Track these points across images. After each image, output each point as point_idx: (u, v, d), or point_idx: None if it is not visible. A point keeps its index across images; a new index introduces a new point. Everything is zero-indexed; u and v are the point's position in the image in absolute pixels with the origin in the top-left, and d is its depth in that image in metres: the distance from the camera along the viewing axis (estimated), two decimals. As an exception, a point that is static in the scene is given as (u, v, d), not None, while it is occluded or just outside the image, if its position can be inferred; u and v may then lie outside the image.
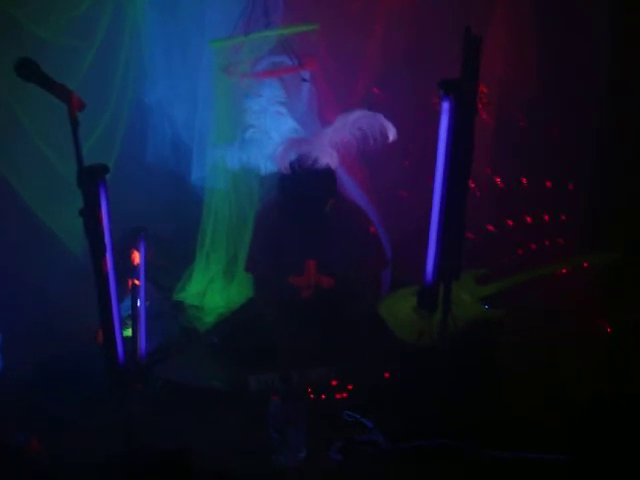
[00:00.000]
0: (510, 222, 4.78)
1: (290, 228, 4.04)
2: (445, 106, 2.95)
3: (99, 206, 2.81)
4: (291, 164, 3.92)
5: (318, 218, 3.99)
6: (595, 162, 4.63)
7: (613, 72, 4.48)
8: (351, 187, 4.30)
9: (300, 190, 3.88)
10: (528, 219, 4.76)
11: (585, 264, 4.22)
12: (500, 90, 4.44)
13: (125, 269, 3.62)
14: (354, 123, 3.91)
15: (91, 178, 2.77)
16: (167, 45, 4.52)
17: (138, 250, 3.66)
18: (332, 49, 4.34)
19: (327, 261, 4.05)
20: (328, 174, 3.94)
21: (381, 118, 3.92)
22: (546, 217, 4.75)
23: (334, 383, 3.76)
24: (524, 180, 4.76)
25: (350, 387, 3.73)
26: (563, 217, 4.70)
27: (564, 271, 4.19)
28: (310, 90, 4.35)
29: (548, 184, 4.75)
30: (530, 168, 4.76)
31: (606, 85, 4.53)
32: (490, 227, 4.75)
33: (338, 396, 3.70)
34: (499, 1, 4.47)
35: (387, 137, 3.88)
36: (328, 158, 3.92)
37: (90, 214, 2.79)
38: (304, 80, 4.27)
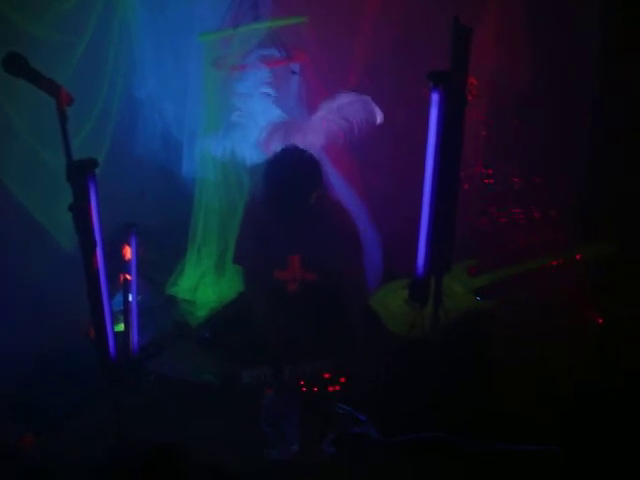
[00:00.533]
0: (502, 214, 4.79)
1: (277, 220, 4.02)
2: (434, 98, 2.95)
3: (88, 201, 2.82)
4: (276, 153, 3.90)
5: (303, 209, 3.94)
6: (588, 157, 4.62)
7: (605, 69, 4.48)
8: (336, 180, 4.27)
9: (285, 179, 3.84)
10: (520, 212, 4.77)
11: (577, 256, 4.22)
12: (491, 86, 4.45)
13: (117, 264, 3.62)
14: (339, 110, 3.92)
15: (80, 172, 2.78)
16: (157, 39, 4.50)
17: (129, 245, 3.67)
18: (322, 42, 4.33)
19: (310, 256, 4.03)
20: (313, 164, 3.91)
21: (367, 101, 3.93)
22: (538, 210, 4.75)
23: (327, 376, 3.77)
24: (515, 173, 4.77)
25: (343, 380, 3.74)
26: (555, 210, 4.71)
27: (555, 263, 4.19)
28: (299, 82, 4.34)
29: (540, 179, 4.76)
30: (522, 162, 4.78)
31: (599, 82, 4.52)
32: (482, 219, 4.77)
33: (331, 389, 3.71)
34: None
35: (374, 122, 3.89)
36: (312, 144, 3.90)
37: (79, 209, 2.79)
38: (293, 73, 4.27)
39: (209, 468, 3.08)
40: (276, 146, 4.03)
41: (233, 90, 4.33)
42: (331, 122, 3.95)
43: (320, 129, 4.02)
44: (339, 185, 4.27)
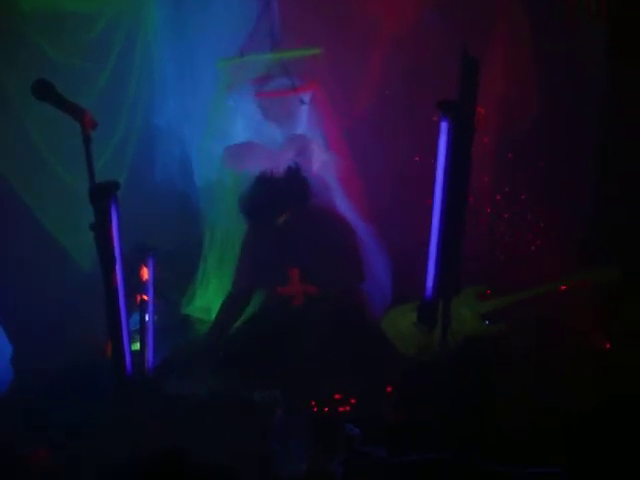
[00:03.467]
0: (509, 241, 4.83)
1: (261, 241, 4.18)
2: (443, 126, 3.02)
3: (110, 221, 2.89)
4: (255, 175, 4.02)
5: (271, 229, 4.07)
6: (594, 184, 4.68)
7: (612, 93, 4.55)
8: (342, 201, 4.39)
9: (248, 203, 3.99)
10: (528, 238, 4.81)
11: (585, 281, 4.25)
12: (500, 110, 4.51)
13: (134, 285, 3.70)
14: (302, 147, 4.11)
15: (103, 194, 2.85)
16: (177, 67, 4.62)
17: (147, 266, 3.75)
18: (334, 72, 4.45)
19: (308, 268, 4.16)
20: (281, 187, 4.02)
21: (317, 144, 4.20)
22: (545, 236, 4.79)
23: (337, 397, 3.80)
24: (522, 199, 4.81)
25: (353, 401, 3.78)
26: (563, 234, 4.72)
27: (563, 288, 4.22)
28: (311, 111, 4.45)
29: (547, 205, 4.80)
30: (529, 188, 4.82)
31: (606, 104, 4.58)
32: (490, 245, 4.82)
33: (341, 409, 3.75)
34: (498, 22, 4.56)
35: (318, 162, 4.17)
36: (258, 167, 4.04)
37: (101, 229, 2.85)
38: (302, 102, 4.36)
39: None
40: (236, 164, 4.26)
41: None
42: (289, 155, 4.10)
43: (275, 158, 4.16)
44: (342, 205, 4.38)
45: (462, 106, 2.98)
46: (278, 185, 3.97)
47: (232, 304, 4.36)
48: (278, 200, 3.97)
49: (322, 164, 4.25)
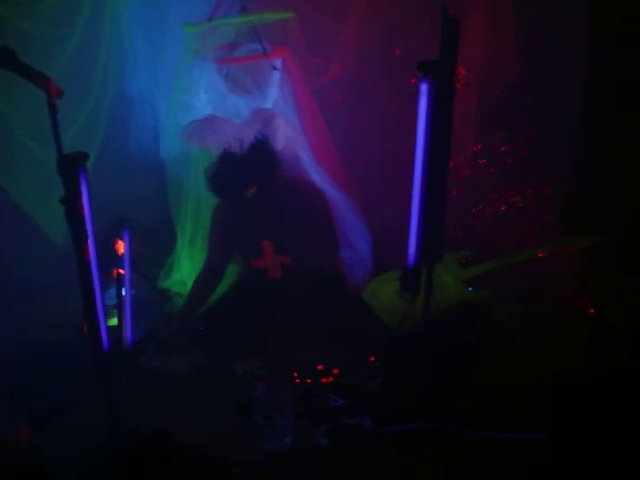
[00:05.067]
0: (493, 205, 4.80)
1: (231, 216, 4.13)
2: (423, 88, 2.95)
3: (80, 193, 2.84)
4: (222, 149, 3.94)
5: (240, 203, 3.97)
6: (578, 145, 4.64)
7: (594, 55, 4.50)
8: (314, 170, 4.29)
9: (214, 179, 3.87)
10: (511, 203, 4.79)
11: (569, 246, 4.23)
12: (481, 71, 4.45)
13: (110, 258, 3.64)
14: (262, 120, 4.07)
15: (71, 165, 2.79)
16: (148, 33, 4.50)
17: (122, 240, 3.69)
18: (308, 36, 4.34)
19: (281, 241, 4.11)
20: (242, 162, 3.87)
21: (282, 118, 4.11)
22: (529, 201, 4.76)
23: (320, 367, 3.77)
24: (508, 161, 4.78)
25: (336, 371, 3.75)
26: (547, 200, 4.71)
27: (547, 254, 4.21)
28: (283, 77, 4.32)
29: (531, 166, 4.77)
30: (512, 150, 4.79)
31: (588, 67, 4.54)
32: (474, 209, 4.79)
33: (324, 380, 3.72)
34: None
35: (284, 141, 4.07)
36: (237, 144, 3.92)
37: (71, 202, 2.81)
38: (274, 68, 4.26)
39: (200, 453, 3.09)
40: (198, 141, 4.20)
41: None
42: (253, 131, 4.00)
43: (239, 131, 4.07)
44: (314, 176, 4.30)
45: (442, 66, 2.91)
46: (243, 158, 3.86)
47: (205, 278, 4.31)
48: (245, 174, 3.86)
49: (289, 138, 4.15)
